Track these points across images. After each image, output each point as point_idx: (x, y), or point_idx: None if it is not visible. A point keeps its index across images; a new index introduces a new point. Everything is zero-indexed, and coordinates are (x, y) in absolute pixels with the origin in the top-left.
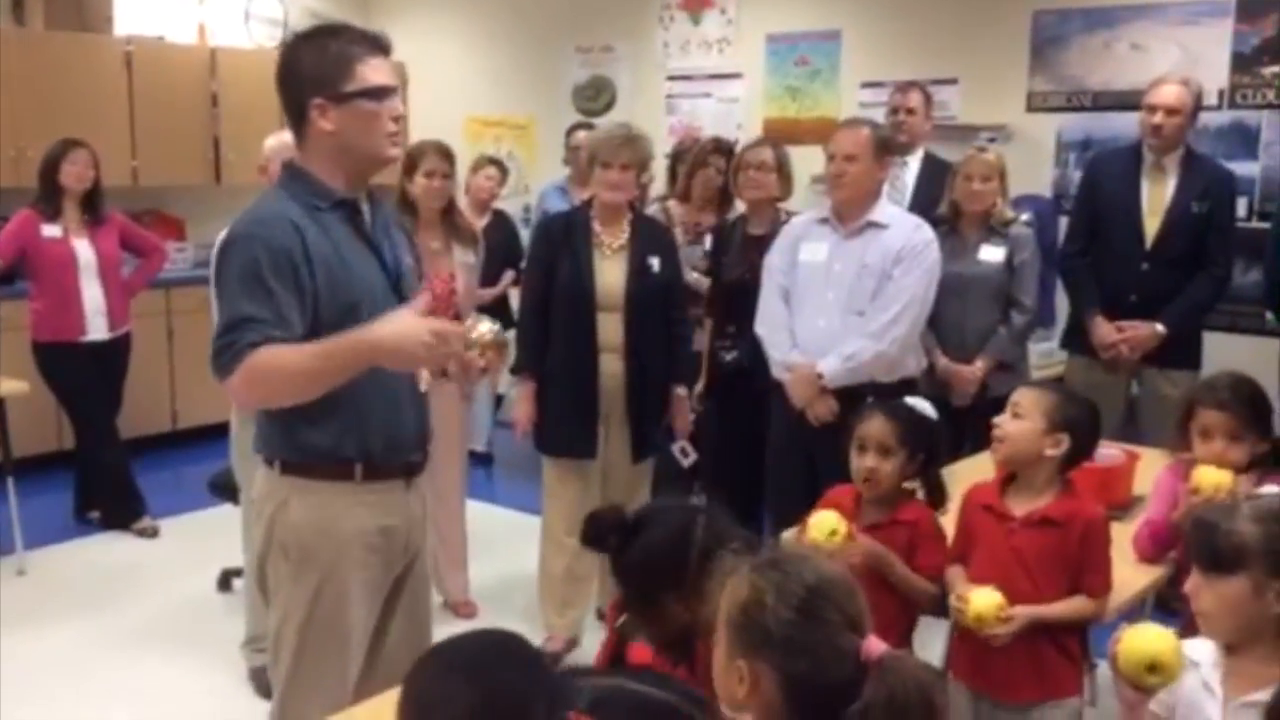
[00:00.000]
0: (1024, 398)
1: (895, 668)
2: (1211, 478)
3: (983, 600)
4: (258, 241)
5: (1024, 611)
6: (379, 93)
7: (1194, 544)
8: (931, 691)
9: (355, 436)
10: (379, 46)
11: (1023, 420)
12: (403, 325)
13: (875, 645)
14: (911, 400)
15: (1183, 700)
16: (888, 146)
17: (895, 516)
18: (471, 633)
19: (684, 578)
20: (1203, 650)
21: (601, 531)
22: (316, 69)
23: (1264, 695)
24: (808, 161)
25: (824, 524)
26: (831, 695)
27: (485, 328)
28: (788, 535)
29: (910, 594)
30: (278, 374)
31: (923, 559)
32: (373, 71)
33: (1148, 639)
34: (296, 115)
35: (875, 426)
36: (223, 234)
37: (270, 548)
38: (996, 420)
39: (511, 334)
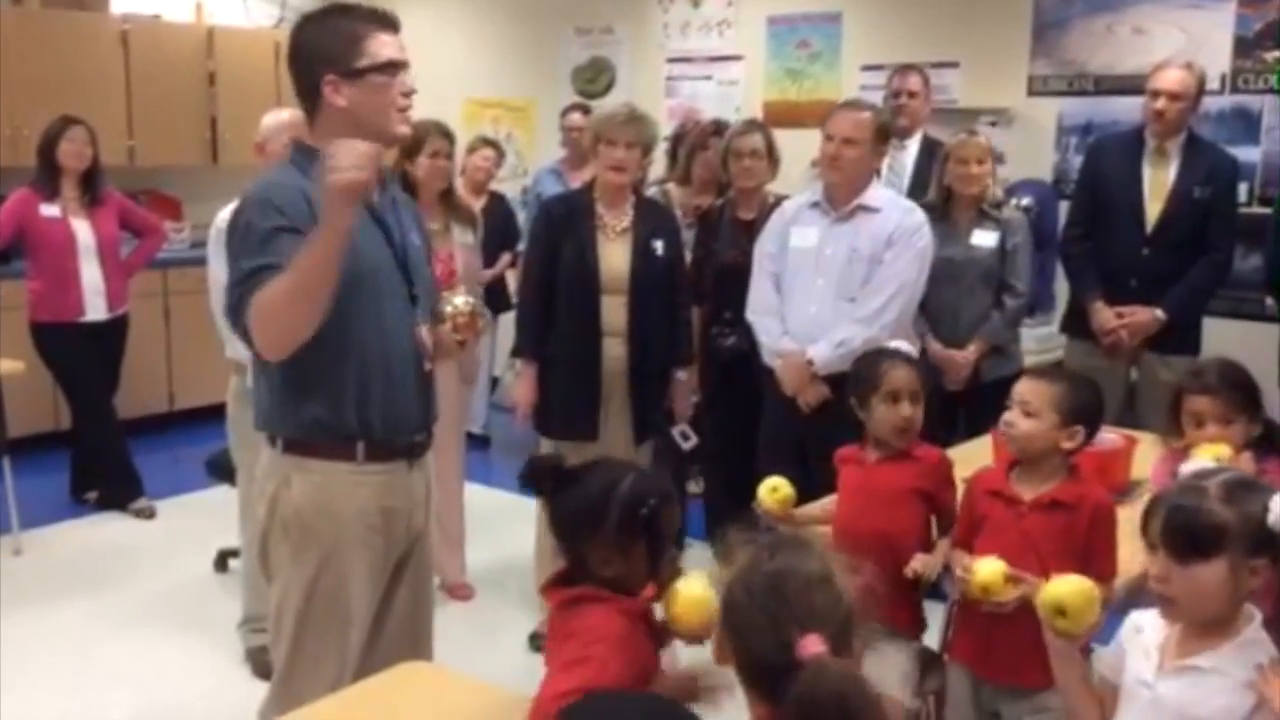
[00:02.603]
0: (1032, 394)
1: (818, 672)
2: (1211, 453)
3: (987, 569)
4: (270, 204)
5: (1031, 577)
6: (389, 68)
7: (1169, 530)
8: (850, 703)
9: (355, 411)
10: (388, 23)
11: (1036, 419)
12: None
13: (810, 645)
14: (897, 344)
15: (1127, 665)
16: (886, 133)
17: (908, 451)
18: (634, 697)
19: (605, 531)
20: (1151, 618)
21: (537, 474)
22: (328, 46)
23: (1199, 660)
24: (808, 145)
25: (767, 483)
26: (771, 680)
27: (460, 300)
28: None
29: None
30: (274, 302)
31: (939, 503)
32: (383, 47)
33: (1061, 585)
34: (309, 93)
35: (905, 375)
36: (224, 216)
37: (272, 526)
38: (1007, 418)
39: (511, 315)
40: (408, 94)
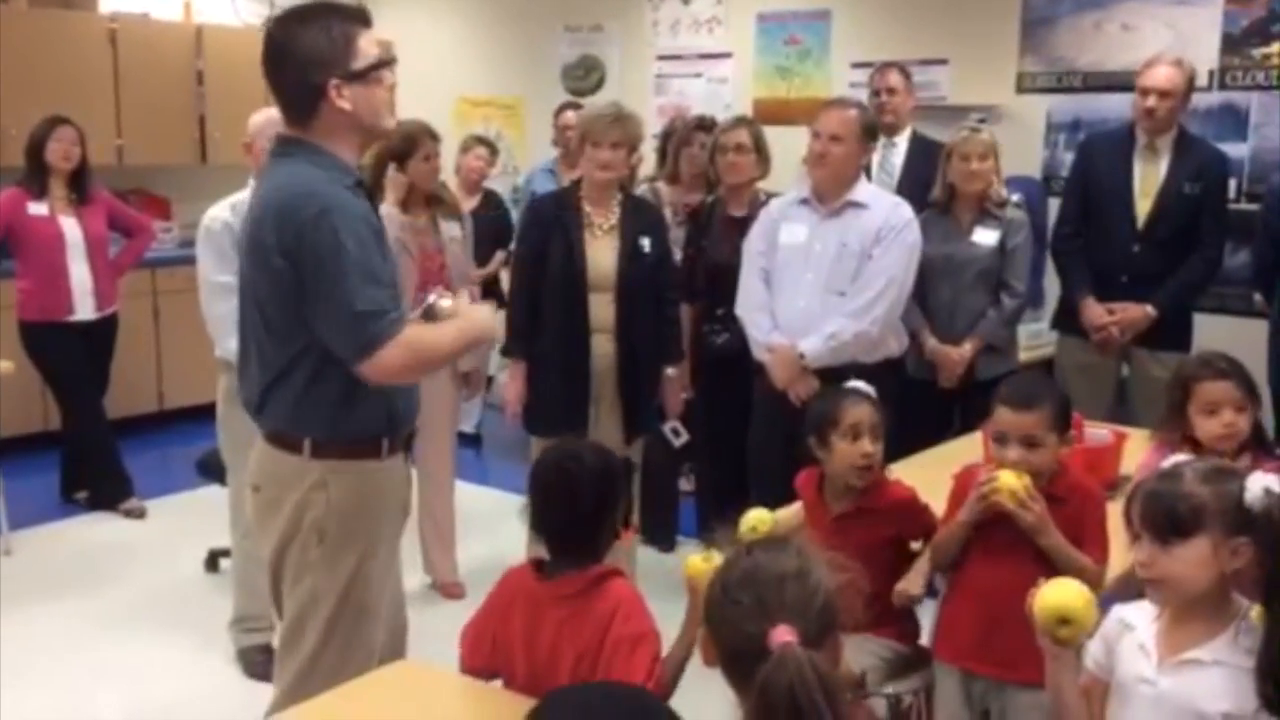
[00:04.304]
0: (1029, 425)
1: (780, 660)
2: None
3: (1009, 476)
4: (354, 214)
5: (1043, 512)
6: (384, 65)
7: (1148, 513)
8: (800, 699)
9: (385, 410)
10: (366, 19)
11: (1042, 447)
12: (489, 316)
13: (780, 635)
14: (854, 384)
15: (1119, 661)
16: (873, 131)
17: (870, 503)
18: (600, 687)
19: (621, 488)
20: (1139, 614)
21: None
22: (328, 50)
23: (1197, 653)
24: (798, 142)
25: (747, 521)
26: (748, 671)
27: (447, 304)
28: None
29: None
30: (431, 353)
31: (918, 532)
32: (370, 46)
33: (1060, 592)
34: (308, 96)
35: (865, 412)
36: (211, 215)
37: (298, 532)
38: (1013, 457)
39: (502, 314)
40: (391, 88)
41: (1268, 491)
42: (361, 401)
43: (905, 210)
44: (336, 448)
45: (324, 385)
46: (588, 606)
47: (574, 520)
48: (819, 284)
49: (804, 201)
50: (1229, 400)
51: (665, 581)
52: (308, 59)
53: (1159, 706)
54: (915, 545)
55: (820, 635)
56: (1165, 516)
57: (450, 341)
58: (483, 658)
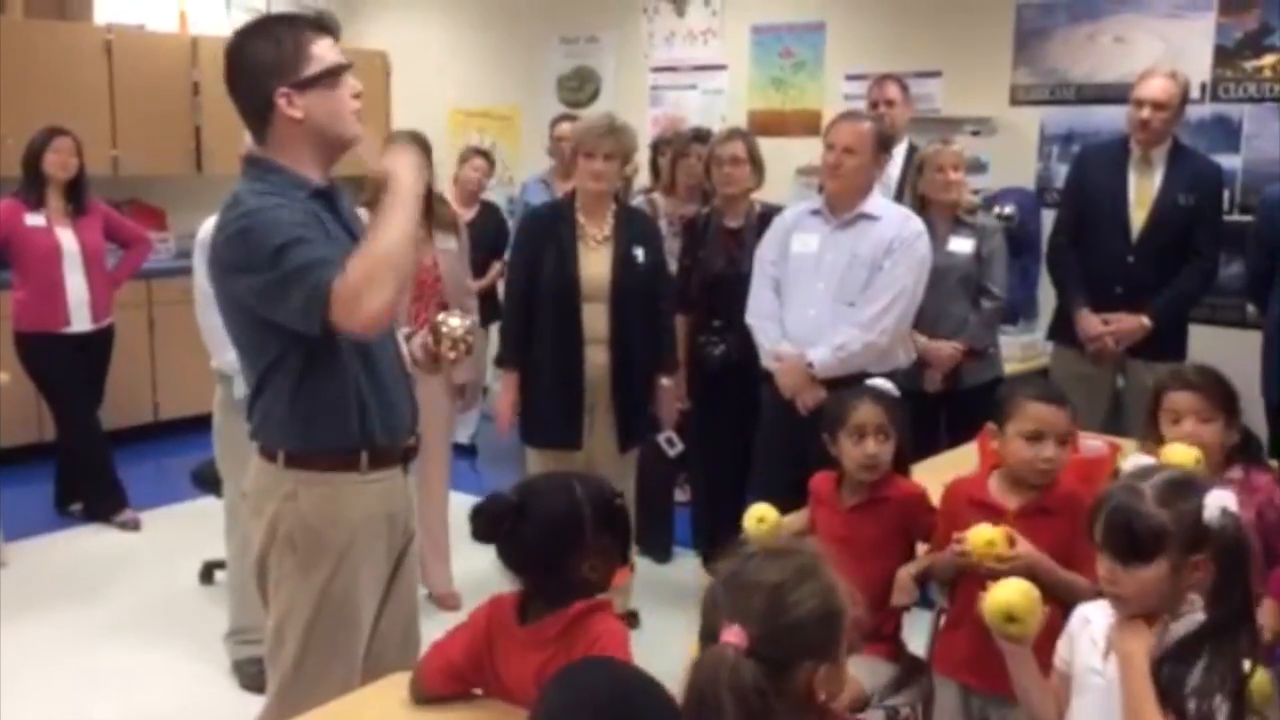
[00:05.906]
0: (1067, 420)
1: (705, 657)
2: (1179, 456)
3: (982, 537)
4: (282, 211)
5: (1026, 550)
6: (338, 72)
7: (1109, 535)
8: (708, 699)
9: (358, 423)
10: (324, 28)
11: (1070, 441)
12: (407, 157)
13: (727, 634)
14: (874, 382)
15: (1077, 654)
16: (886, 143)
17: (883, 494)
18: (602, 665)
19: (584, 536)
20: (1098, 610)
21: (495, 520)
22: (275, 59)
23: None
24: (792, 153)
25: (753, 513)
26: None
27: (455, 322)
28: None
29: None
30: (385, 247)
31: (922, 531)
32: (325, 52)
33: (1005, 591)
34: (260, 108)
35: (870, 412)
36: (208, 226)
37: (274, 542)
38: (1050, 454)
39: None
40: (356, 95)
41: (1224, 511)
42: (329, 414)
43: (916, 223)
44: (308, 459)
45: (291, 397)
46: (568, 649)
47: (531, 571)
48: (829, 294)
49: (816, 212)
50: (1191, 410)
51: (661, 592)
52: (257, 70)
53: (1107, 695)
54: (922, 548)
55: (784, 657)
56: (1125, 538)
57: (397, 220)
58: (454, 681)
